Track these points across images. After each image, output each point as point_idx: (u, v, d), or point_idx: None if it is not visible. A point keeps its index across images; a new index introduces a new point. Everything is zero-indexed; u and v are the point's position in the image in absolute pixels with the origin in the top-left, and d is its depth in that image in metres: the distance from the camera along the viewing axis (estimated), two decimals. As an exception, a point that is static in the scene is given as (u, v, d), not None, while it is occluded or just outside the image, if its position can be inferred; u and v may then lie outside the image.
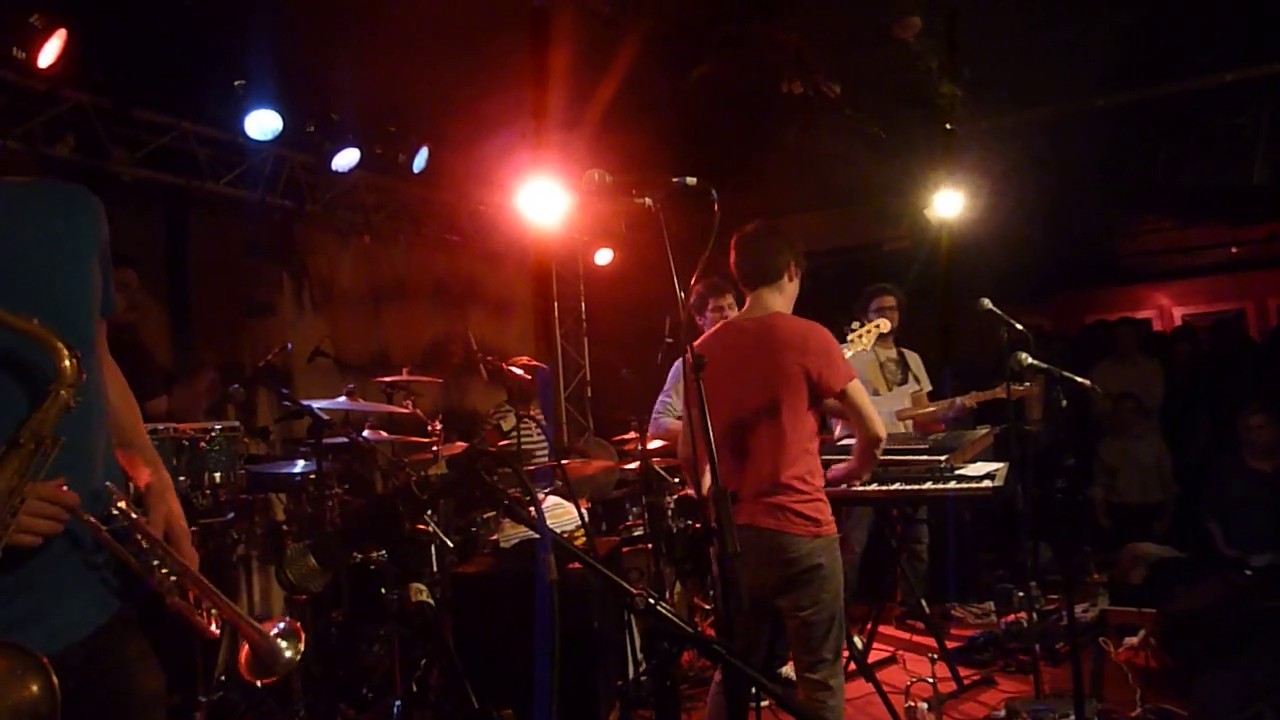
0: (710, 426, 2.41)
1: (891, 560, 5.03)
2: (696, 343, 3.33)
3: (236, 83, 4.97)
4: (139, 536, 1.64)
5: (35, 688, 1.34)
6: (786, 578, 3.03)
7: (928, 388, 5.51)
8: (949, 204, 6.96)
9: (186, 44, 4.65)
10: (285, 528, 4.66)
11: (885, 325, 4.48)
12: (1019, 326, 4.03)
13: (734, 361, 3.14)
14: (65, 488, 1.50)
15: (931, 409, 5.27)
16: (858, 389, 3.12)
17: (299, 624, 1.79)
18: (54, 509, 1.47)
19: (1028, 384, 4.77)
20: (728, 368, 3.10)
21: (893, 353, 5.53)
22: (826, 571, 3.04)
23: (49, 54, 4.10)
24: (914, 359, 5.60)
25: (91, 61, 4.40)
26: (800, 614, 3.04)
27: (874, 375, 5.41)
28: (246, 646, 1.73)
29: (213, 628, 1.69)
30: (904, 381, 5.46)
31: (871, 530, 5.50)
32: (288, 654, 1.73)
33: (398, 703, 3.96)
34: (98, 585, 1.64)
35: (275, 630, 1.75)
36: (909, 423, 5.28)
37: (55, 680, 1.34)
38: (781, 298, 3.29)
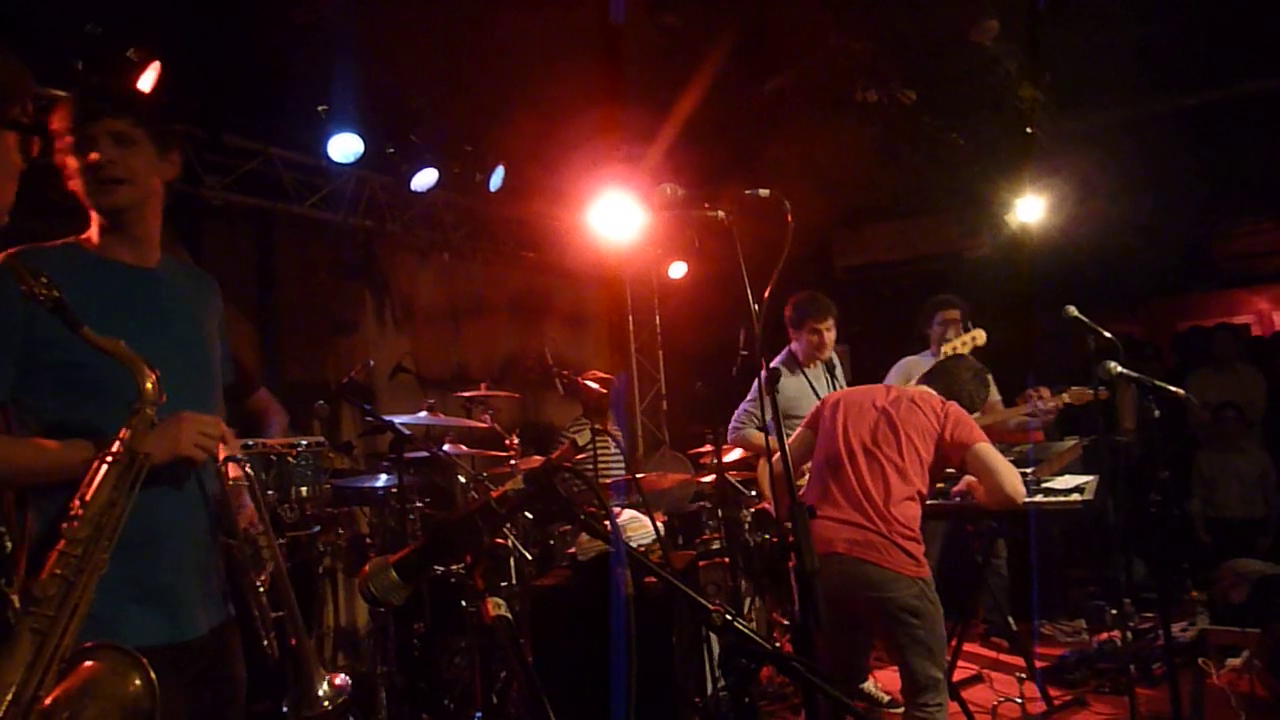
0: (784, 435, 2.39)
1: (975, 576, 4.90)
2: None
3: (320, 107, 5.12)
4: (258, 534, 1.90)
5: (138, 681, 1.42)
6: (877, 614, 3.07)
7: (995, 398, 5.39)
8: (1031, 210, 6.78)
9: (272, 72, 4.81)
10: (369, 540, 4.76)
11: (981, 337, 4.48)
12: (1107, 334, 3.90)
13: (873, 405, 3.34)
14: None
15: (1002, 415, 5.15)
16: (989, 449, 3.21)
17: (349, 684, 1.91)
18: (215, 435, 1.77)
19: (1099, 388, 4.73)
20: (865, 407, 3.36)
21: None
22: (922, 613, 3.07)
23: (145, 86, 4.29)
24: None
25: (184, 92, 4.59)
26: (897, 652, 3.11)
27: None
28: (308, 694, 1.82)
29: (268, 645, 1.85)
30: None
31: (947, 545, 5.39)
32: (324, 700, 1.83)
33: (478, 714, 4.00)
34: (214, 589, 1.92)
35: (338, 680, 1.84)
36: None
37: (153, 676, 1.41)
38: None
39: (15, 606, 1.36)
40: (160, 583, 1.78)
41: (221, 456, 1.84)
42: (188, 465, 1.76)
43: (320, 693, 1.82)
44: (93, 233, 1.87)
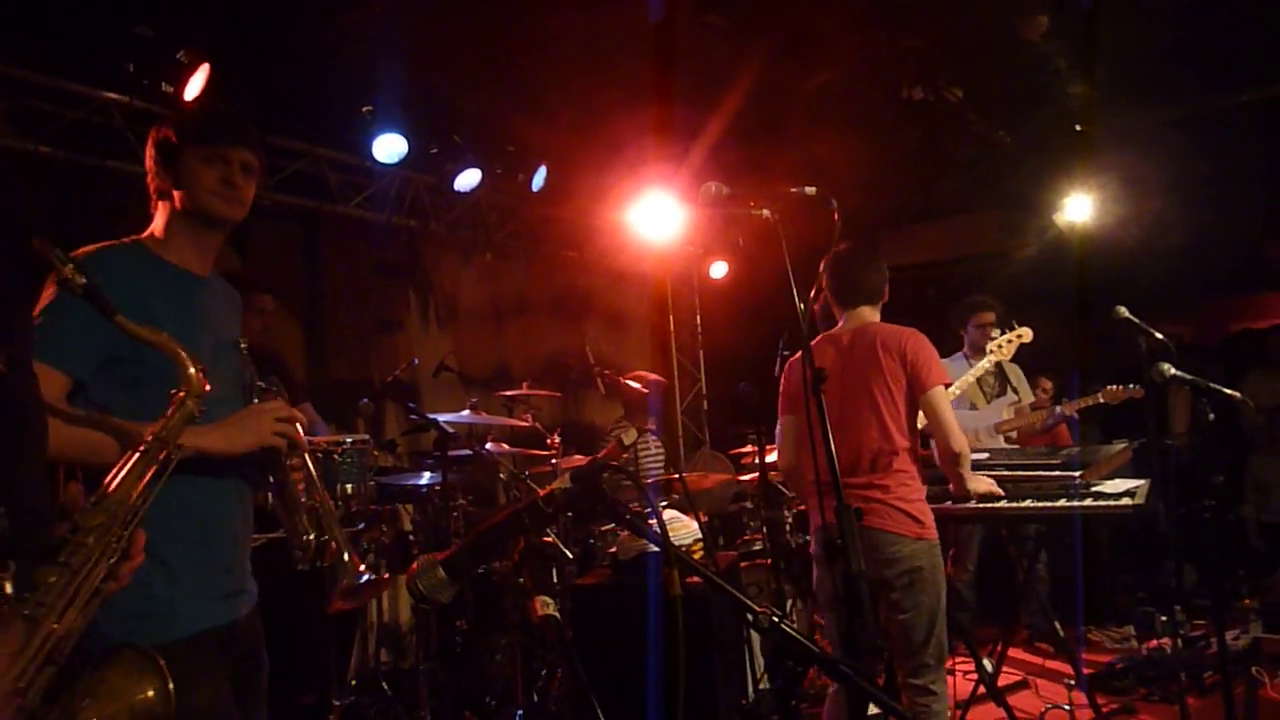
0: (830, 438, 2.38)
1: (1020, 580, 4.83)
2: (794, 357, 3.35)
3: (365, 108, 5.18)
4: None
5: (151, 692, 1.36)
6: (884, 579, 3.01)
7: (1029, 399, 5.33)
8: (1080, 209, 6.67)
9: (317, 74, 4.88)
10: (412, 537, 4.80)
11: (1028, 334, 4.43)
12: (1159, 336, 3.81)
13: (834, 367, 3.17)
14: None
15: (1031, 418, 5.11)
16: (941, 396, 3.14)
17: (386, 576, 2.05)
18: (293, 422, 1.91)
19: (1132, 385, 4.84)
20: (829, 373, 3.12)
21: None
22: (926, 574, 3.02)
23: (194, 87, 4.37)
24: (1014, 371, 5.39)
25: (232, 93, 4.66)
26: (899, 617, 3.03)
27: (971, 389, 5.25)
28: (345, 580, 2.02)
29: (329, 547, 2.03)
30: (1002, 393, 5.28)
31: (984, 549, 5.33)
32: (370, 577, 2.07)
33: (519, 712, 4.02)
34: (248, 572, 2.07)
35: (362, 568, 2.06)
36: (1013, 434, 5.11)
37: (170, 685, 1.37)
38: (877, 314, 3.36)
39: (6, 592, 1.28)
40: (217, 568, 1.93)
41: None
42: (272, 454, 1.90)
43: (368, 580, 2.07)
44: (158, 234, 2.00)
